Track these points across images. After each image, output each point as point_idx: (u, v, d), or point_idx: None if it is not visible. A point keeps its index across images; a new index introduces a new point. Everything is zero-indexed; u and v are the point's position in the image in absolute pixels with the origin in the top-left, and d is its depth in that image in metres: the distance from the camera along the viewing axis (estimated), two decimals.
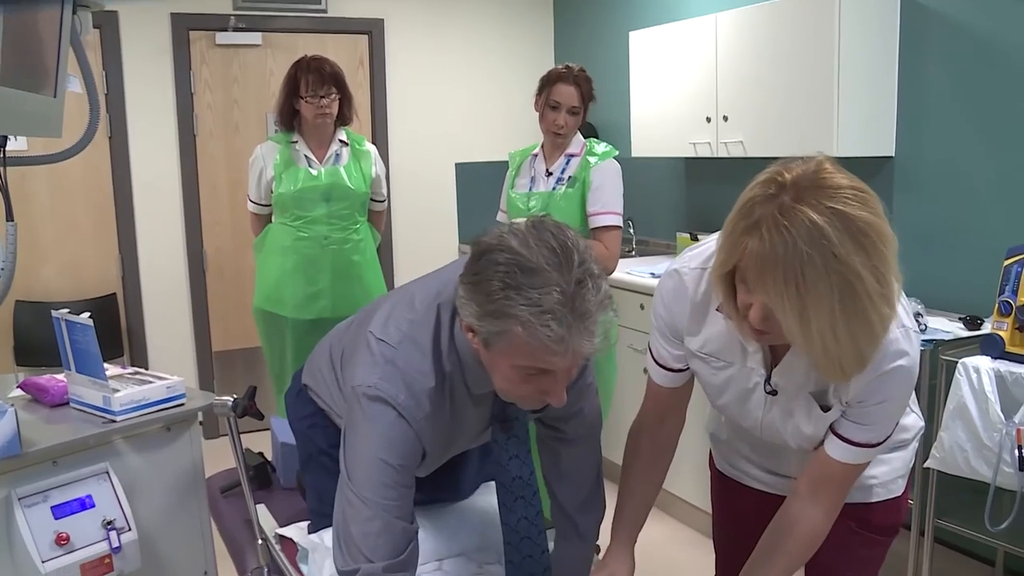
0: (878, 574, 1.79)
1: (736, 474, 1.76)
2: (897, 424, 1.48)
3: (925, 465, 2.58)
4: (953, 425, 2.44)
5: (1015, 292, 2.38)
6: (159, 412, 1.89)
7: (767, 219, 1.19)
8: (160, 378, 1.93)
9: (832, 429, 1.45)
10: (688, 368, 1.58)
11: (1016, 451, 2.30)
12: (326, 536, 1.76)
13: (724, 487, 1.80)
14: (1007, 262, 2.44)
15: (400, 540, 1.42)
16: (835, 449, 1.45)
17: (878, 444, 1.44)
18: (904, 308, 1.37)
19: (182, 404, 1.93)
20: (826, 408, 1.44)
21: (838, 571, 1.71)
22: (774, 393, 1.47)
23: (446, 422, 1.50)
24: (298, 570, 1.81)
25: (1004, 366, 2.35)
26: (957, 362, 2.44)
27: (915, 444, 1.69)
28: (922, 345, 2.05)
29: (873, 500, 1.65)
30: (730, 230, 1.25)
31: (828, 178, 1.22)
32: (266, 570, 1.82)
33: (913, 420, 1.68)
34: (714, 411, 1.76)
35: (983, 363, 2.39)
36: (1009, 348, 2.38)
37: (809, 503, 1.48)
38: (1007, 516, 2.36)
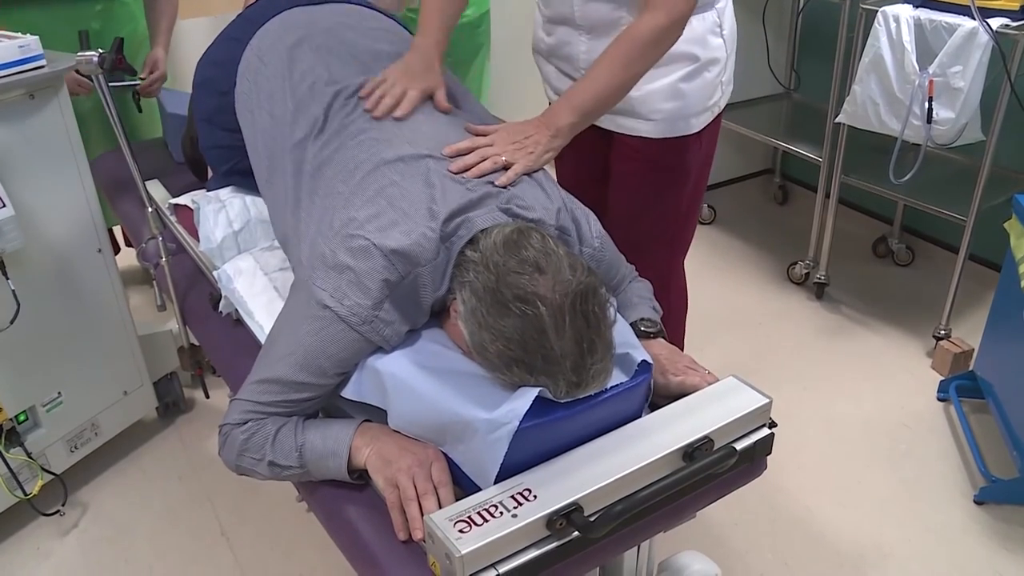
0: (690, 216, 1.78)
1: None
2: None
3: (836, 120, 2.58)
4: (867, 78, 2.39)
5: None
6: (15, 76, 1.69)
7: None
8: (10, 37, 1.70)
9: None
10: None
11: (927, 103, 2.28)
12: (221, 192, 1.67)
13: None
14: None
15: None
16: None
17: None
18: None
19: (42, 67, 1.73)
20: None
21: (637, 209, 1.71)
22: None
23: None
24: (195, 235, 1.73)
25: (925, 14, 2.27)
26: (877, 11, 2.34)
27: (716, 78, 1.62)
28: None
29: (658, 136, 1.61)
30: None
31: None
32: (160, 239, 1.74)
33: (717, 44, 1.60)
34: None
35: (903, 11, 2.30)
36: None
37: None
38: (910, 170, 2.40)
